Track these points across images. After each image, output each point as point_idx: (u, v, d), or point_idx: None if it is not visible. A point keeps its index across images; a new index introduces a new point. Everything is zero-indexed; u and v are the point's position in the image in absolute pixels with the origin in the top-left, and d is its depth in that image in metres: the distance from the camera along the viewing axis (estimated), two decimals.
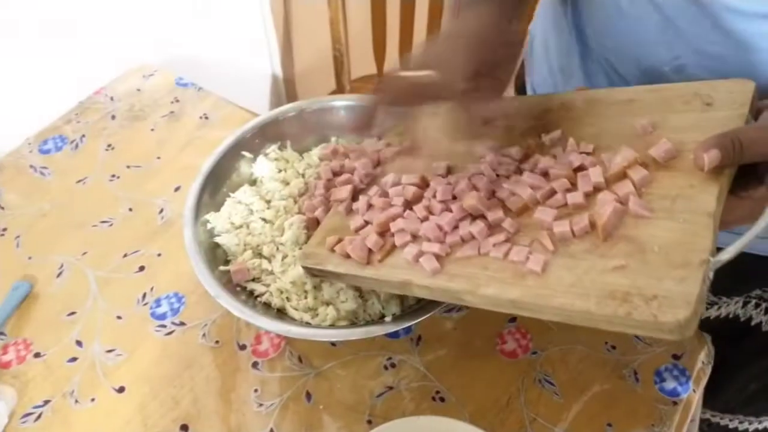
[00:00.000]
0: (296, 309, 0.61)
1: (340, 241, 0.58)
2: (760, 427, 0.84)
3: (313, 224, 0.65)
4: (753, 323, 0.73)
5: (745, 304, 0.72)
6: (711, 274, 0.40)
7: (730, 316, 0.74)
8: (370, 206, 0.60)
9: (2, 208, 0.80)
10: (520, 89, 0.85)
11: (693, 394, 0.63)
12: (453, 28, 0.54)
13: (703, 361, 0.65)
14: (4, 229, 0.78)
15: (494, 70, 0.51)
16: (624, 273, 0.41)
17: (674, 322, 0.37)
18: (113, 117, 0.92)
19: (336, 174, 0.67)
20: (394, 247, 0.55)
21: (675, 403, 0.62)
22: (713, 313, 0.74)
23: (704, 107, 0.47)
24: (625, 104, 0.52)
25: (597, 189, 0.48)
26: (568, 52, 0.71)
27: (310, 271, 0.60)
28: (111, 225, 0.78)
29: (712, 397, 0.69)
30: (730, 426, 0.85)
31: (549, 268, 0.45)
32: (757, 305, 0.71)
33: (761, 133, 0.42)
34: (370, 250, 0.55)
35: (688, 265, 0.39)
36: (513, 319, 0.68)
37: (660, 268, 0.40)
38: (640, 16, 0.56)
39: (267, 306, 0.63)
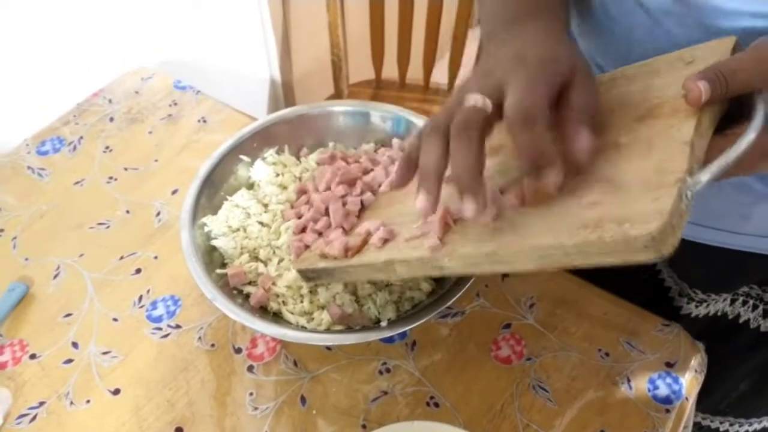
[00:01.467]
0: (292, 313, 0.62)
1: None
2: (750, 429, 0.84)
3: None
4: (741, 320, 0.73)
5: (732, 301, 0.73)
6: (689, 197, 0.37)
7: (719, 313, 0.74)
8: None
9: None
10: None
11: (686, 401, 0.63)
12: (516, 48, 0.46)
13: (696, 369, 0.66)
14: (1, 230, 0.78)
15: (572, 76, 0.43)
16: (596, 207, 0.40)
17: (646, 236, 0.36)
18: (111, 119, 0.92)
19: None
20: (365, 242, 0.57)
21: (668, 411, 0.63)
22: (702, 311, 0.75)
23: (686, 66, 0.47)
24: (609, 82, 0.51)
25: None
26: None
27: (305, 274, 0.61)
28: (108, 227, 0.78)
29: (702, 400, 0.70)
30: (721, 429, 0.86)
31: (527, 221, 0.44)
32: (744, 302, 0.72)
33: (741, 62, 0.40)
34: (346, 250, 0.57)
35: (662, 186, 0.38)
36: (507, 325, 0.68)
37: (634, 195, 0.39)
38: (627, 18, 0.57)
39: (263, 310, 0.63)
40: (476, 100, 0.43)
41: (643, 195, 0.38)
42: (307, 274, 0.60)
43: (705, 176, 0.37)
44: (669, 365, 0.65)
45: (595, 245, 0.38)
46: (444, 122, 0.44)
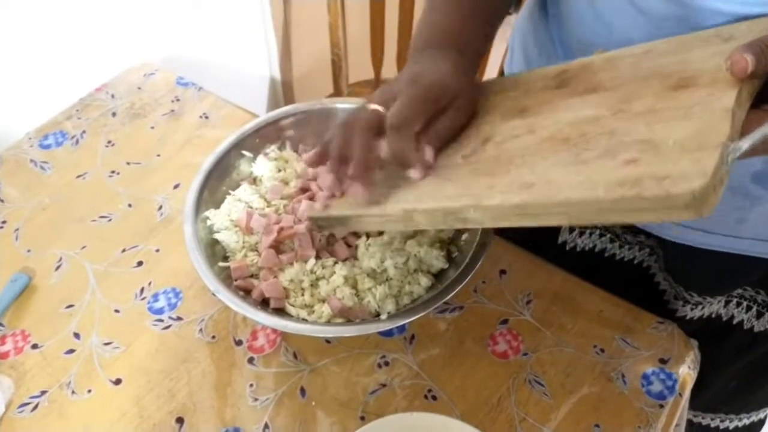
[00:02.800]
0: (293, 305, 0.62)
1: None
2: (740, 424, 0.85)
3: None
4: (735, 321, 0.74)
5: (726, 303, 0.74)
6: (729, 162, 0.37)
7: (713, 315, 0.75)
8: None
9: (2, 201, 0.81)
10: None
11: (679, 397, 0.65)
12: (415, 71, 0.56)
13: (689, 366, 0.67)
14: (4, 222, 0.78)
15: (451, 103, 0.54)
16: (635, 165, 0.40)
17: (688, 194, 0.35)
18: (114, 114, 0.93)
19: None
20: None
21: (661, 406, 0.64)
22: (696, 313, 0.76)
23: (724, 42, 0.47)
24: (642, 54, 0.52)
25: None
26: (550, 62, 0.71)
27: (317, 222, 0.61)
28: (110, 220, 0.79)
29: (694, 398, 0.71)
30: (712, 425, 0.87)
31: (558, 175, 0.43)
32: (738, 304, 0.73)
33: None
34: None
35: (704, 148, 0.37)
36: (505, 321, 0.69)
37: (674, 156, 0.39)
38: (626, 25, 0.57)
39: (264, 303, 0.64)
40: (374, 107, 0.54)
41: (684, 156, 0.38)
42: (318, 222, 0.61)
43: (745, 143, 0.37)
44: (663, 362, 0.67)
45: (632, 201, 0.38)
46: (351, 121, 0.55)
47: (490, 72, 0.91)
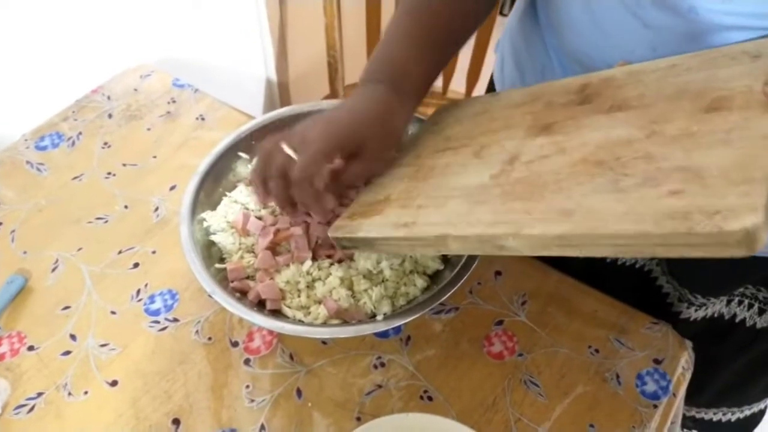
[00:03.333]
0: (289, 307, 0.63)
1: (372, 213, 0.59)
2: (741, 416, 0.86)
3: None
4: (737, 320, 0.75)
5: (729, 302, 0.74)
6: None
7: (715, 315, 0.76)
8: None
9: None
10: None
11: (673, 398, 0.65)
12: (335, 108, 0.61)
13: (683, 367, 0.67)
14: (0, 224, 0.78)
15: (361, 149, 0.57)
16: (680, 197, 0.39)
17: (741, 231, 0.35)
18: (110, 116, 0.93)
19: None
20: None
21: (655, 406, 0.64)
22: (700, 314, 0.76)
23: (752, 60, 0.46)
24: (667, 69, 0.51)
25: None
26: (544, 71, 0.71)
27: (340, 243, 0.60)
28: (106, 222, 0.79)
29: (696, 395, 0.71)
30: (714, 419, 0.87)
31: (599, 204, 0.42)
32: (740, 302, 0.73)
33: None
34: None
35: (751, 181, 0.37)
36: (500, 322, 0.70)
37: (720, 188, 0.38)
38: (626, 35, 0.57)
39: (261, 304, 0.64)
40: (286, 153, 0.57)
41: (730, 188, 0.37)
42: (342, 243, 0.59)
43: None
44: (657, 362, 0.67)
45: (683, 237, 0.37)
46: (265, 166, 0.59)
47: (483, 81, 0.91)
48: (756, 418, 0.88)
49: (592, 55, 0.62)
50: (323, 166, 0.55)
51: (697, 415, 0.88)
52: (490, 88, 0.88)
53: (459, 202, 0.52)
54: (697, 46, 0.52)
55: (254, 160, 0.61)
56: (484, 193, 0.51)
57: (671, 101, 0.47)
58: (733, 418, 0.87)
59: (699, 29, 0.51)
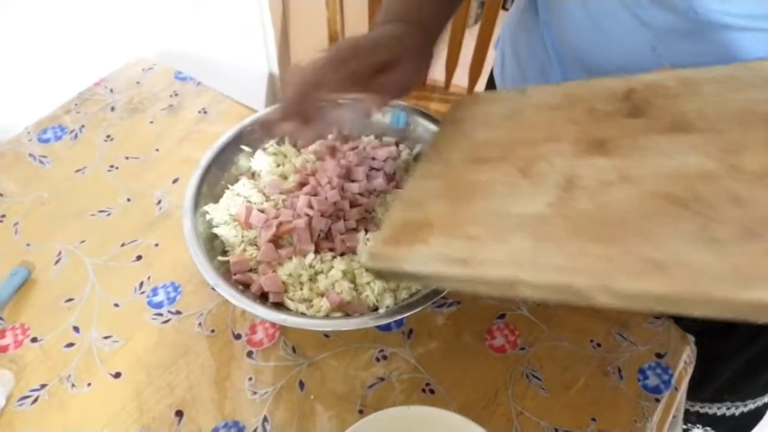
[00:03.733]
0: (292, 300, 0.63)
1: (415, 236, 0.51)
2: (746, 410, 0.86)
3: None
4: None
5: None
6: None
7: None
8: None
9: (1, 195, 0.81)
10: None
11: (675, 392, 0.65)
12: (368, 33, 0.59)
13: (685, 361, 0.67)
14: (3, 216, 0.78)
15: (398, 61, 0.56)
16: None
17: None
18: (112, 109, 0.93)
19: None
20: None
21: (657, 400, 0.64)
22: None
23: None
24: (725, 82, 0.48)
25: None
26: (545, 70, 0.71)
27: (380, 275, 0.52)
28: (109, 214, 0.79)
29: (699, 390, 0.71)
30: (718, 413, 0.87)
31: (689, 252, 0.38)
32: None
33: None
34: None
35: None
36: (502, 315, 0.70)
37: None
38: (626, 35, 0.57)
39: (263, 297, 0.64)
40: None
41: None
42: (382, 274, 0.52)
43: None
44: (659, 356, 0.67)
45: None
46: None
47: (485, 76, 0.90)
48: (760, 412, 0.89)
49: (592, 54, 0.62)
50: (358, 61, 0.54)
51: (701, 410, 0.88)
52: (490, 85, 0.88)
53: (519, 236, 0.45)
54: (697, 45, 0.52)
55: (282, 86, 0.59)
56: (546, 227, 0.45)
57: (741, 125, 0.44)
58: (737, 413, 0.87)
59: (698, 29, 0.51)
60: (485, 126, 0.59)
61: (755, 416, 0.89)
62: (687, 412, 0.90)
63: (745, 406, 0.86)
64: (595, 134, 0.50)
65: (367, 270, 0.54)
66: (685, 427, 0.93)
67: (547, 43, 0.69)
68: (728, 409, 0.87)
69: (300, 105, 0.54)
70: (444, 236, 0.49)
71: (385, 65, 0.55)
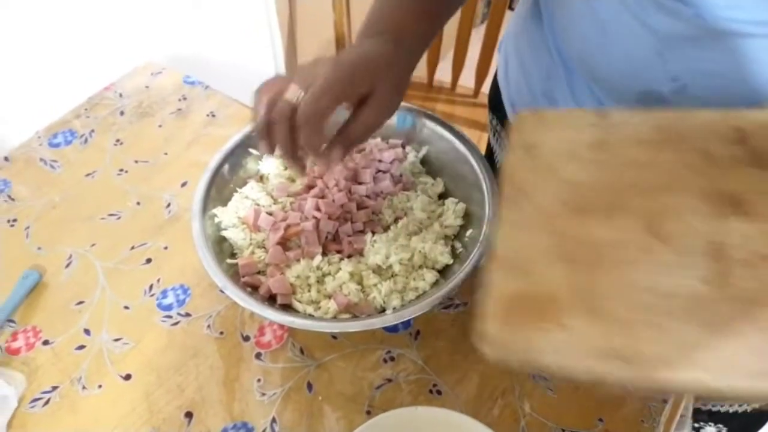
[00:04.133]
0: (300, 301, 0.63)
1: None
2: (749, 408, 0.86)
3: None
4: None
5: None
6: None
7: None
8: None
9: (12, 199, 0.82)
10: (499, 111, 0.86)
11: None
12: (341, 53, 0.57)
13: None
14: (15, 220, 0.79)
15: (371, 92, 0.55)
16: None
17: None
18: (122, 113, 0.94)
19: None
20: None
21: (665, 400, 0.64)
22: None
23: None
24: None
25: None
26: (550, 75, 0.70)
27: (504, 363, 0.39)
28: (119, 218, 0.80)
29: None
30: (730, 410, 0.87)
31: None
32: None
33: None
34: None
35: None
36: None
37: None
38: (630, 40, 0.56)
39: (272, 299, 0.65)
40: (293, 93, 0.54)
41: None
42: (509, 363, 0.39)
43: None
44: None
45: None
46: (271, 106, 0.56)
47: (491, 78, 0.90)
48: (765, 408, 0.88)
49: (597, 59, 0.62)
50: (333, 105, 0.53)
51: (713, 408, 0.88)
52: (494, 88, 0.88)
53: (683, 324, 0.37)
54: (704, 52, 0.52)
55: (255, 102, 0.59)
56: (711, 312, 0.37)
57: None
58: (749, 409, 0.86)
59: (705, 35, 0.51)
60: (572, 159, 0.47)
61: (766, 413, 0.89)
62: (698, 410, 0.89)
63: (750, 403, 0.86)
64: (724, 187, 0.41)
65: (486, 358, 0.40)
66: (696, 425, 0.92)
67: (552, 48, 0.69)
68: (740, 405, 0.87)
69: (267, 133, 0.57)
70: (586, 319, 0.38)
71: (359, 101, 0.56)
